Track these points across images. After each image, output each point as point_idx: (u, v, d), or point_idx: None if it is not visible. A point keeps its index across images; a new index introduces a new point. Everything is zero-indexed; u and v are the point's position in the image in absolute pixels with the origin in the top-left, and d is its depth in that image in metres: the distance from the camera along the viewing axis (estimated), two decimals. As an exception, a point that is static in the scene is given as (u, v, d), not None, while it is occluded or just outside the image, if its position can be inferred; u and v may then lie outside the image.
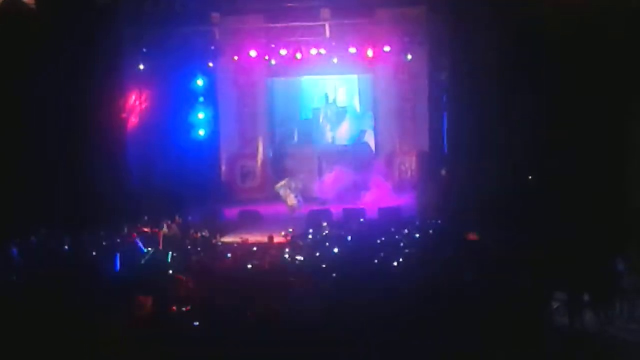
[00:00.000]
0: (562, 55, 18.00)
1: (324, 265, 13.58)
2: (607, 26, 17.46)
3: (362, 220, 20.42)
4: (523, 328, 10.39)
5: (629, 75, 17.17)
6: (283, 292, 11.55)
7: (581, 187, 17.48)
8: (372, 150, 26.50)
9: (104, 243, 16.91)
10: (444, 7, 20.73)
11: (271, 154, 26.73)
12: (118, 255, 15.20)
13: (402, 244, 15.99)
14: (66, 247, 16.11)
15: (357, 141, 26.84)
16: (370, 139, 26.77)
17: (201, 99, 26.33)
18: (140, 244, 16.40)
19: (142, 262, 15.03)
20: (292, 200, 23.33)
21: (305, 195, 24.32)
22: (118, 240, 16.97)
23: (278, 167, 26.23)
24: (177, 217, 20.29)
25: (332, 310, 10.60)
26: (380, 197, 24.01)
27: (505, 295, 11.35)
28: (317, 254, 15.34)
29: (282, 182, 23.97)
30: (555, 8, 18.15)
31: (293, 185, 23.59)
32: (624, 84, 17.28)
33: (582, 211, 16.19)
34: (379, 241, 16.04)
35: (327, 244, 16.25)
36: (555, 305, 11.52)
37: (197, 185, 24.08)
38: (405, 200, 22.95)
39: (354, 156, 26.15)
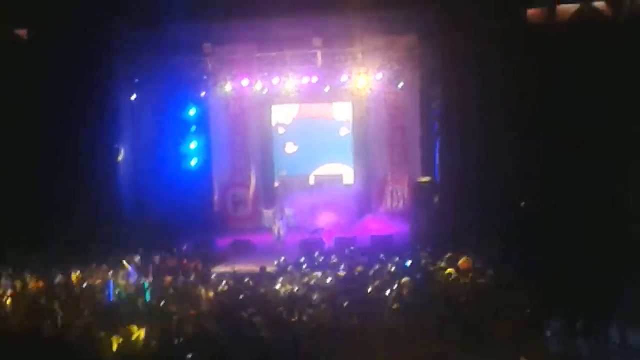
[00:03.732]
0: (554, 84, 18.17)
1: (315, 296, 13.50)
2: (599, 54, 17.70)
3: (352, 248, 20.37)
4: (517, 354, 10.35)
5: (619, 102, 17.38)
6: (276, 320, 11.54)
7: (574, 213, 17.54)
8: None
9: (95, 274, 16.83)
10: (435, 36, 20.84)
11: (263, 183, 26.78)
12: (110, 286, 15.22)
13: (393, 271, 15.99)
14: (58, 278, 16.01)
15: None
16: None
17: (193, 128, 26.39)
18: (134, 274, 16.41)
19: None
20: (276, 229, 23.32)
21: (297, 224, 24.37)
22: (109, 272, 16.88)
23: (269, 196, 26.29)
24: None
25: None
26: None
27: (498, 322, 11.32)
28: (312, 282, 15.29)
29: (271, 211, 24.05)
30: (547, 37, 18.39)
31: (279, 215, 23.55)
32: (615, 110, 17.47)
33: (574, 238, 16.21)
34: (371, 272, 15.96)
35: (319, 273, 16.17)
36: (549, 332, 11.47)
37: (190, 215, 24.12)
38: (397, 229, 22.95)
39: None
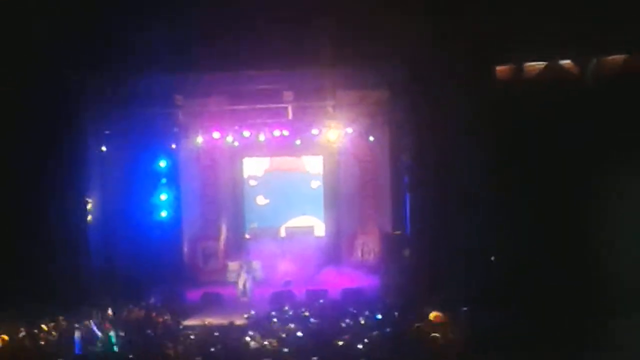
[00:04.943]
0: (522, 139, 18.46)
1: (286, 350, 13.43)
2: (566, 110, 18.05)
3: (321, 300, 20.33)
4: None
5: (592, 154, 17.70)
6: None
7: (546, 267, 17.67)
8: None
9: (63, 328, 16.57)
10: (405, 91, 21.10)
11: (233, 236, 26.71)
12: (78, 338, 15.01)
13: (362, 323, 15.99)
14: (22, 333, 15.74)
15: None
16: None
17: (164, 180, 26.30)
18: (95, 328, 16.17)
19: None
20: (242, 283, 23.06)
21: (264, 278, 24.30)
22: (76, 325, 16.65)
23: (240, 249, 26.18)
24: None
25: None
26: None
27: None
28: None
29: (236, 264, 23.87)
30: (515, 93, 18.73)
31: (245, 268, 23.35)
32: (587, 164, 17.77)
33: (547, 293, 16.32)
34: (343, 324, 15.92)
35: (291, 325, 16.09)
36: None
37: (160, 267, 23.94)
38: (368, 281, 22.95)
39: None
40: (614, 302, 14.30)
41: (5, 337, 15.27)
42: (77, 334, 15.58)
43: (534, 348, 12.38)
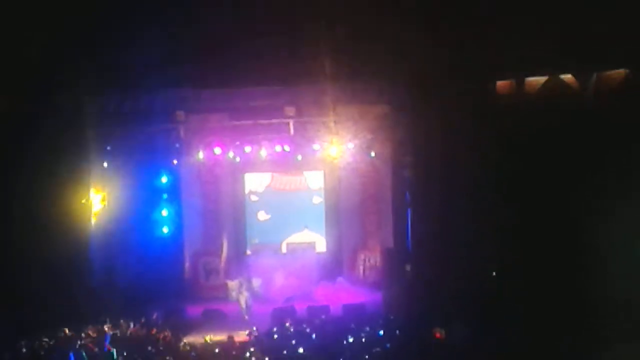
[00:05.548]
0: (523, 154, 18.45)
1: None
2: (567, 125, 18.05)
3: (323, 316, 20.26)
4: None
5: (592, 169, 17.69)
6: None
7: (546, 283, 17.62)
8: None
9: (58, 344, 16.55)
10: (407, 107, 21.11)
11: (235, 251, 26.66)
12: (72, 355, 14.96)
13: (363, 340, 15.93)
14: (24, 349, 15.71)
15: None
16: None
17: (165, 195, 26.31)
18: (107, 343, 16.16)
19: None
20: (243, 301, 22.99)
21: (264, 295, 24.23)
22: (80, 341, 16.62)
23: (241, 265, 26.10)
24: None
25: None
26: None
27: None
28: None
29: (236, 282, 23.79)
30: (516, 108, 18.74)
31: (245, 286, 23.29)
32: (587, 179, 17.74)
33: (546, 307, 16.26)
34: (345, 341, 15.87)
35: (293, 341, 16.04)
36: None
37: (161, 283, 23.90)
38: (370, 297, 22.88)
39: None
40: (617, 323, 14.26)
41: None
42: (76, 350, 15.54)
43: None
